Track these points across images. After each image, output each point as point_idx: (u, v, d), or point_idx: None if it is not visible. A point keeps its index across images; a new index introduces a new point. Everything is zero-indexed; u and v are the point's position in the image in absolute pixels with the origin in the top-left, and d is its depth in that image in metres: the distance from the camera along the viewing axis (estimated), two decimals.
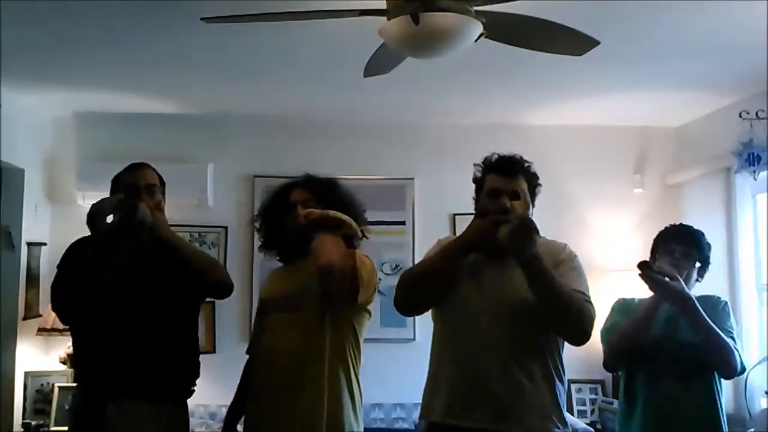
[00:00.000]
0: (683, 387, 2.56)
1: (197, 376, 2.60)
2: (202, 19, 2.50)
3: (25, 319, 4.22)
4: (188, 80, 3.99)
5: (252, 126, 4.81)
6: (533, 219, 2.17)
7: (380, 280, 2.46)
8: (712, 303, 2.64)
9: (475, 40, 2.40)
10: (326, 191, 2.57)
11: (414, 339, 4.66)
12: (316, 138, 4.83)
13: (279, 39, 3.20)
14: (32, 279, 4.31)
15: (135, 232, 2.43)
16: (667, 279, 2.49)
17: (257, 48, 3.38)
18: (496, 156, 2.33)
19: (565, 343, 2.28)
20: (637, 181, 4.90)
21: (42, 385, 4.29)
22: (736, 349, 2.54)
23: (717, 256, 2.98)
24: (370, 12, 2.38)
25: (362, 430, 2.43)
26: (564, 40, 2.56)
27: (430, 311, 2.38)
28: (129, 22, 3.05)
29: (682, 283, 2.50)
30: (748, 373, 3.49)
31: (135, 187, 2.54)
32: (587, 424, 4.37)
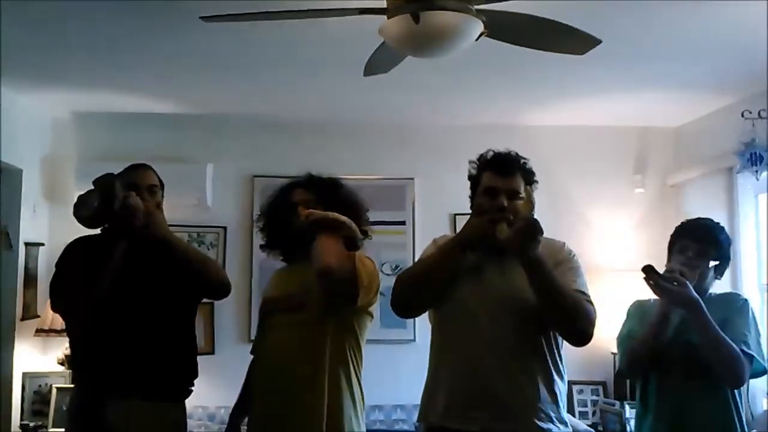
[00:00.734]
0: (697, 390, 2.46)
1: (195, 375, 2.59)
2: (201, 18, 2.49)
3: (23, 319, 4.21)
4: (188, 80, 3.98)
5: (252, 126, 4.80)
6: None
7: (380, 280, 2.44)
8: (730, 301, 2.57)
9: (476, 39, 2.39)
10: (328, 191, 2.56)
11: (414, 340, 4.65)
12: (316, 138, 4.82)
13: (279, 39, 3.19)
14: (30, 279, 4.30)
15: (123, 222, 2.40)
16: (675, 283, 2.41)
17: (257, 48, 3.37)
18: (491, 153, 2.32)
19: (566, 344, 2.27)
20: (637, 181, 4.90)
21: (40, 386, 4.28)
22: (749, 355, 2.40)
23: None
24: (370, 11, 2.37)
25: (364, 431, 2.42)
26: (565, 39, 2.55)
27: (427, 312, 2.37)
28: (129, 22, 3.04)
29: (689, 287, 2.39)
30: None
31: (136, 187, 2.53)
32: (588, 425, 4.36)
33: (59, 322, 4.15)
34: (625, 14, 2.94)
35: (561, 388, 2.23)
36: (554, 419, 2.17)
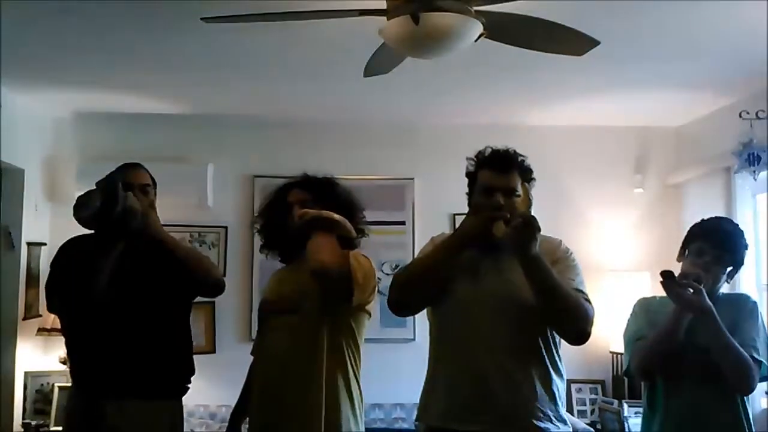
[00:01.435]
0: (708, 394, 2.43)
1: (192, 373, 2.61)
2: (202, 19, 2.50)
3: (25, 319, 4.22)
4: (188, 80, 3.99)
5: (252, 126, 4.81)
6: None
7: (380, 280, 2.45)
8: (740, 303, 2.54)
9: (475, 40, 2.40)
10: (323, 191, 2.57)
11: (414, 339, 4.66)
12: (316, 138, 4.83)
13: (279, 39, 3.20)
14: (32, 279, 4.31)
15: (123, 222, 2.41)
16: (690, 290, 2.37)
17: (257, 48, 3.38)
18: (489, 150, 2.32)
19: (565, 342, 2.27)
20: (637, 181, 4.90)
21: (42, 385, 4.29)
22: (758, 361, 2.39)
23: None
24: (370, 12, 2.38)
25: (363, 430, 2.43)
26: (564, 40, 2.56)
27: (425, 311, 2.37)
28: (129, 22, 3.05)
29: (703, 294, 2.36)
30: None
31: (129, 187, 2.54)
32: (587, 424, 4.37)
33: None
34: (624, 14, 2.95)
35: (559, 386, 2.23)
36: (552, 418, 2.17)
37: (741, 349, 2.37)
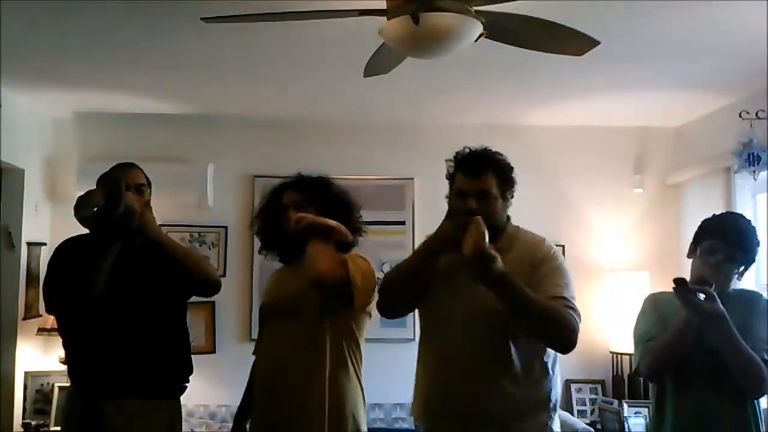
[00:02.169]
0: (718, 396, 2.37)
1: (190, 372, 2.61)
2: (202, 19, 2.50)
3: (25, 319, 4.23)
4: (188, 80, 3.99)
5: (252, 126, 4.81)
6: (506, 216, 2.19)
7: (379, 280, 2.45)
8: (752, 302, 2.48)
9: (475, 40, 2.40)
10: (318, 191, 2.56)
11: (414, 339, 4.65)
12: (316, 138, 4.83)
13: (279, 39, 3.20)
14: (32, 279, 4.31)
15: (124, 222, 2.41)
16: (702, 296, 2.30)
17: (257, 48, 3.38)
18: (466, 151, 2.27)
19: None
20: (637, 181, 4.90)
21: (42, 385, 4.29)
22: None
23: None
24: (370, 12, 2.38)
25: (365, 430, 2.43)
26: (564, 40, 2.56)
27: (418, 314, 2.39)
28: (129, 22, 3.05)
29: (716, 300, 2.29)
30: None
31: (125, 186, 2.53)
32: (587, 424, 4.36)
33: None
34: (624, 14, 2.95)
35: (549, 383, 2.20)
36: (539, 419, 2.17)
37: (752, 353, 2.30)
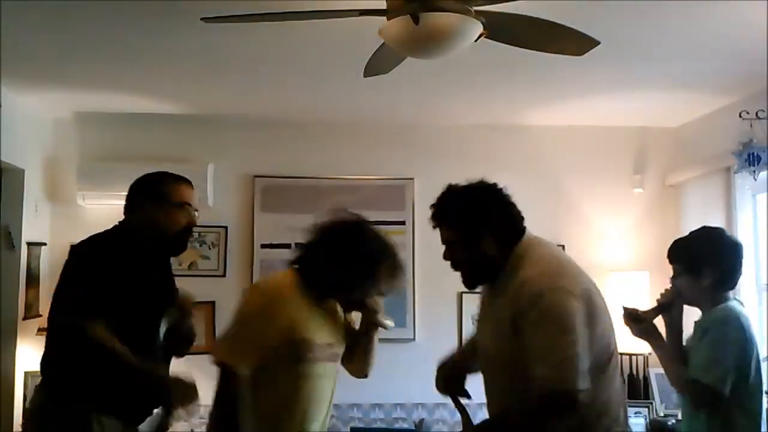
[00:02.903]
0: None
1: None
2: (202, 19, 2.50)
3: (25, 319, 4.22)
4: (188, 80, 3.99)
5: (252, 126, 4.81)
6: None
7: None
8: (713, 324, 2.51)
9: (475, 40, 2.40)
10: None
11: (414, 339, 4.67)
12: (316, 138, 4.83)
13: (279, 39, 3.20)
14: (32, 279, 4.31)
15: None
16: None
17: (257, 48, 3.38)
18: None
19: None
20: (637, 181, 4.90)
21: None
22: (702, 383, 2.39)
23: None
24: (370, 12, 2.38)
25: None
26: (564, 40, 2.56)
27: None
28: (129, 22, 3.05)
29: (644, 324, 2.57)
30: None
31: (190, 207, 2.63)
32: None
33: None
34: (624, 14, 2.95)
35: None
36: None
37: (675, 370, 2.53)
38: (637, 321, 2.57)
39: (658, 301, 2.61)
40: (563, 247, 4.21)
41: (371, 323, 2.47)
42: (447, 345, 4.72)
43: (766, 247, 3.99)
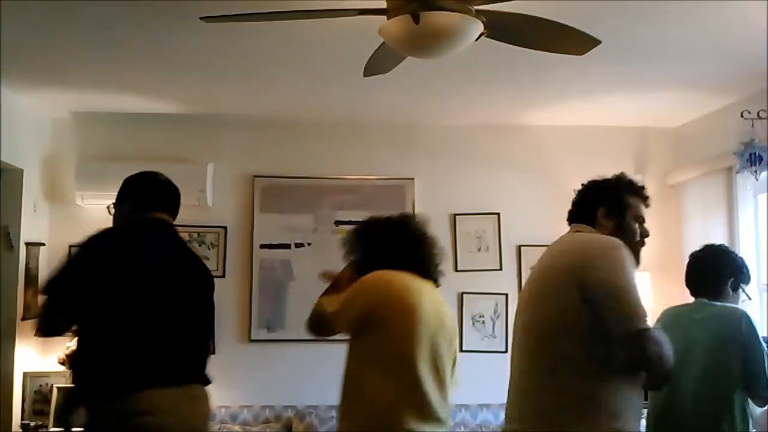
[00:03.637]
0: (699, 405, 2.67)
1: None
2: (201, 18, 2.49)
3: (23, 319, 4.21)
4: (188, 80, 3.99)
5: (252, 126, 4.80)
6: None
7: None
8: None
9: (476, 40, 2.39)
10: None
11: None
12: (316, 138, 4.83)
13: (279, 39, 3.19)
14: (31, 279, 4.30)
15: None
16: None
17: (257, 48, 3.37)
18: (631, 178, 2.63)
19: None
20: (637, 181, 4.89)
21: (41, 385, 4.28)
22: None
23: None
24: (370, 11, 2.37)
25: None
26: (565, 39, 2.55)
27: None
28: (128, 22, 3.04)
29: None
30: None
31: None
32: None
33: None
34: (624, 14, 2.95)
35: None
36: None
37: None
38: None
39: None
40: None
41: None
42: None
43: (767, 247, 3.98)
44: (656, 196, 4.81)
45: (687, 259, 3.05)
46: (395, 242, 2.55)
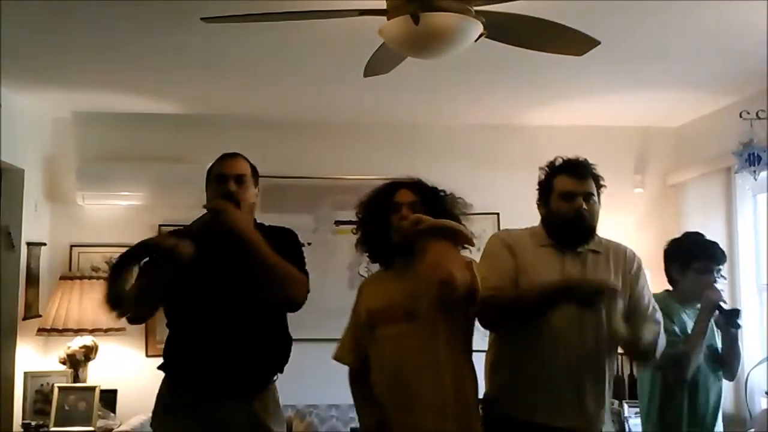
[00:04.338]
0: (715, 387, 2.94)
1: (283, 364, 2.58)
2: (201, 19, 2.50)
3: (24, 319, 4.22)
4: (188, 80, 3.99)
5: (252, 126, 4.80)
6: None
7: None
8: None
9: (475, 40, 2.40)
10: (433, 197, 2.49)
11: None
12: (316, 138, 4.83)
13: (279, 39, 3.20)
14: (32, 279, 4.31)
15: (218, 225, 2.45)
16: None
17: (257, 48, 3.38)
18: (563, 158, 2.62)
19: None
20: (637, 181, 4.90)
21: (42, 385, 4.28)
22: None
23: None
24: (370, 12, 2.38)
25: None
26: (564, 40, 2.56)
27: None
28: (129, 22, 3.05)
29: None
30: (749, 373, 3.50)
31: (224, 178, 2.58)
32: None
33: (61, 322, 4.16)
34: (624, 14, 2.95)
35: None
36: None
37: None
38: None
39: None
40: None
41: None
42: None
43: (766, 247, 3.99)
44: (656, 196, 4.90)
45: None
46: None
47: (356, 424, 2.63)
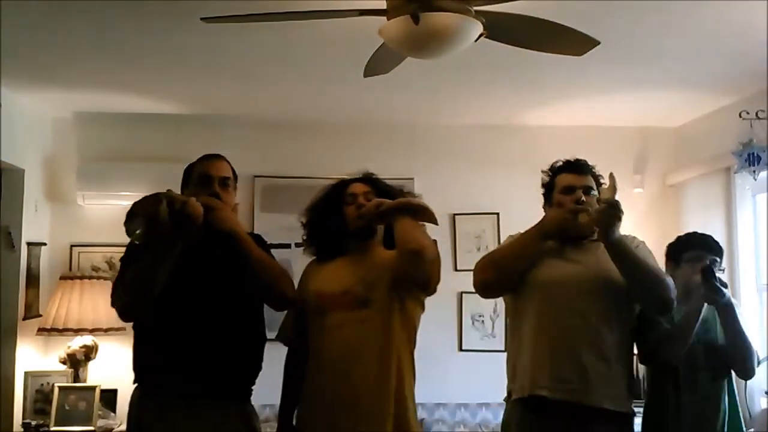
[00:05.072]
0: (717, 384, 2.76)
1: (256, 373, 2.55)
2: (201, 19, 2.50)
3: (25, 319, 4.22)
4: (188, 80, 3.99)
5: (252, 126, 4.80)
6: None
7: None
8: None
9: (475, 40, 2.40)
10: (384, 188, 2.58)
11: None
12: (316, 138, 4.83)
13: (278, 39, 3.20)
14: (32, 279, 4.31)
15: (183, 224, 2.32)
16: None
17: (257, 48, 3.38)
18: (564, 160, 2.67)
19: None
20: (637, 181, 4.90)
21: (42, 385, 4.28)
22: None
23: None
24: (370, 12, 2.38)
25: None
26: (564, 40, 2.56)
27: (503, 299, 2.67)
28: (129, 22, 3.05)
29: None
30: None
31: (208, 179, 2.57)
32: None
33: (61, 322, 4.16)
34: (624, 14, 2.95)
35: (632, 362, 2.56)
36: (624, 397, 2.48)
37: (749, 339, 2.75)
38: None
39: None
40: None
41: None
42: (447, 345, 4.78)
43: (766, 247, 3.99)
44: (656, 196, 4.90)
45: None
46: None
47: None
